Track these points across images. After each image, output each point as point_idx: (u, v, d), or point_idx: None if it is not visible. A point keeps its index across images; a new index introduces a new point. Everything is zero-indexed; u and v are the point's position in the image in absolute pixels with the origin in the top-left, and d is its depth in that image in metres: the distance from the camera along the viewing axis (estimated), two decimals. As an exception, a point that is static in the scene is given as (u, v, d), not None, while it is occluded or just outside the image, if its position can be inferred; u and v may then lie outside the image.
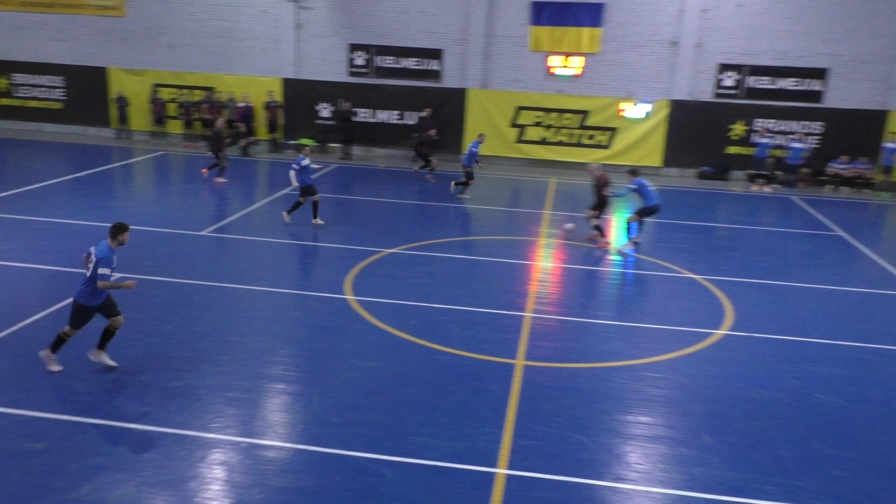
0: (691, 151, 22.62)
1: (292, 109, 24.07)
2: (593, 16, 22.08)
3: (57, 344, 8.32)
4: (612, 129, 22.84)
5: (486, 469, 6.84)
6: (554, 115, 22.97)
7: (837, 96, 21.70)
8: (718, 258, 14.16)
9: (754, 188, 21.38)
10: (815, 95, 21.80)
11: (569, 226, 15.39)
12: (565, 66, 22.67)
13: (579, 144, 23.07)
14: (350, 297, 11.12)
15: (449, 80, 23.39)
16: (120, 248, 8.25)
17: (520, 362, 9.11)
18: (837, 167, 21.69)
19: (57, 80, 25.04)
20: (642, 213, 14.40)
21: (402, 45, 23.30)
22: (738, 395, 8.52)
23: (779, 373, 9.16)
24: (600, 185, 14.78)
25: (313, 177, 15.56)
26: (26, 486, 6.32)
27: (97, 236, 13.71)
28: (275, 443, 7.19)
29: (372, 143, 24.10)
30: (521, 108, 23.06)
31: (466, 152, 18.37)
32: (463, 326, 10.19)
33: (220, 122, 19.58)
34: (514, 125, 23.18)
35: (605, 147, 22.98)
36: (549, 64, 22.68)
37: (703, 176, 22.65)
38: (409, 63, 23.44)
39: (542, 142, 23.24)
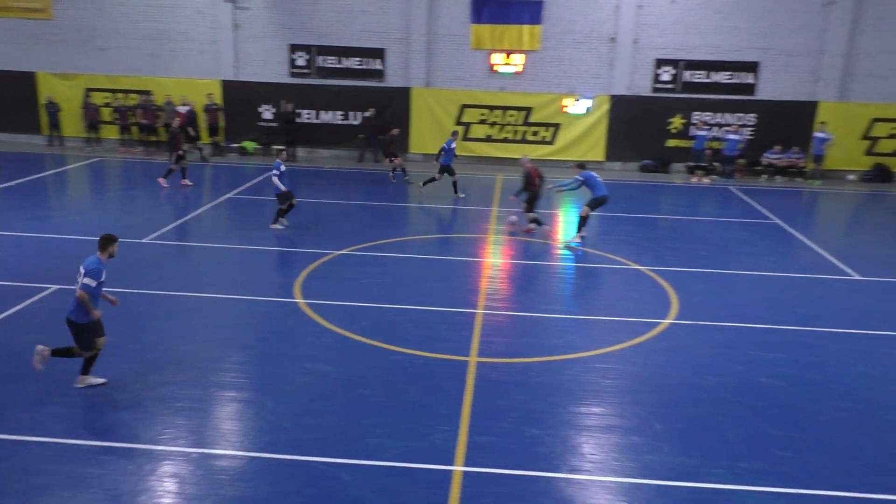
0: (633, 145, 23.08)
1: (233, 112, 23.65)
2: (533, 13, 22.32)
3: (87, 365, 8.10)
4: (556, 125, 23.13)
5: (443, 467, 6.86)
6: (498, 112, 23.14)
7: (769, 89, 22.44)
8: (663, 249, 14.49)
9: (694, 180, 21.94)
10: (748, 88, 22.49)
11: (512, 218, 15.58)
12: (507, 64, 22.87)
13: (524, 141, 23.28)
14: (300, 300, 10.99)
15: (392, 80, 23.32)
16: (100, 260, 7.96)
17: (473, 359, 9.15)
18: (771, 157, 22.43)
19: (-18, 87, 24.06)
20: (593, 204, 14.66)
21: (343, 44, 23.13)
22: (685, 383, 8.74)
23: (723, 359, 9.43)
24: (530, 178, 14.99)
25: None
26: (-34, 510, 6.08)
27: (31, 247, 13.32)
28: (227, 452, 7.06)
29: (316, 145, 23.87)
30: (466, 106, 23.15)
31: (444, 152, 18.28)
32: (415, 326, 10.19)
33: (177, 124, 19.16)
34: (459, 123, 23.25)
35: (549, 143, 23.27)
36: (493, 62, 22.84)
37: (644, 169, 23.14)
38: (352, 63, 23.28)
39: (488, 139, 23.39)
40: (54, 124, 23.74)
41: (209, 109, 23.06)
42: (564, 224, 16.71)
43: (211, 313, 10.48)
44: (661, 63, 22.53)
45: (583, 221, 14.71)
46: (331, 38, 23.10)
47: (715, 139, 22.49)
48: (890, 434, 7.70)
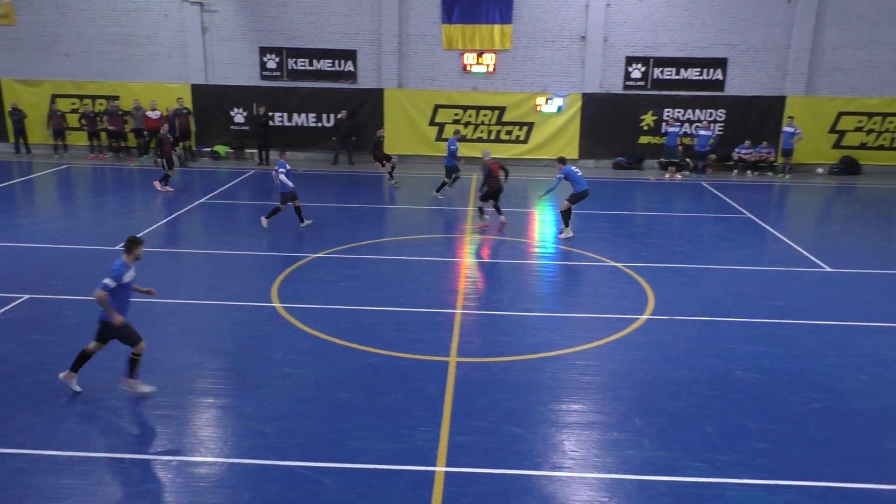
0: (606, 143, 23.26)
1: (205, 116, 23.41)
2: (503, 12, 22.39)
3: (132, 368, 8.00)
4: (529, 125, 23.23)
5: (424, 468, 6.84)
6: (471, 112, 23.18)
7: (737, 84, 22.74)
8: (638, 245, 14.61)
9: (667, 176, 22.15)
10: (718, 84, 22.77)
11: (485, 217, 15.65)
12: (479, 64, 22.91)
13: (498, 140, 23.34)
14: (277, 304, 10.91)
15: (365, 81, 23.25)
16: (125, 263, 7.86)
17: (453, 359, 9.15)
18: (741, 152, 22.74)
19: (-57, 94, 23.57)
20: (573, 199, 14.81)
21: (314, 46, 23.01)
22: (663, 377, 8.81)
23: (700, 353, 9.52)
24: (490, 172, 15.13)
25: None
26: (-62, 527, 5.94)
27: (1, 257, 13.04)
28: (207, 458, 6.98)
29: (290, 148, 23.54)
30: (439, 106, 23.15)
31: (447, 153, 18.36)
32: (394, 327, 10.16)
33: (165, 129, 18.95)
34: (433, 124, 23.25)
35: (523, 142, 23.35)
36: (465, 61, 22.86)
37: (617, 166, 23.32)
38: (324, 65, 23.16)
39: (462, 139, 23.35)
40: (20, 132, 23.29)
41: (179, 114, 22.77)
42: (541, 223, 16.79)
43: (186, 319, 10.35)
44: (631, 61, 22.72)
45: (565, 216, 14.84)
46: (301, 40, 22.96)
47: (686, 135, 22.77)
48: (863, 423, 7.84)
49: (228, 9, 22.82)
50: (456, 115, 23.19)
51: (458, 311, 10.80)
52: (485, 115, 23.19)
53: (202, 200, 17.74)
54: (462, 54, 22.85)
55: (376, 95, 23.06)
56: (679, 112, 22.94)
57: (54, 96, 23.26)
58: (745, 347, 9.70)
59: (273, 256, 13.39)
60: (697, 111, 22.95)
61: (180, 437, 7.36)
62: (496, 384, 8.54)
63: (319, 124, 23.54)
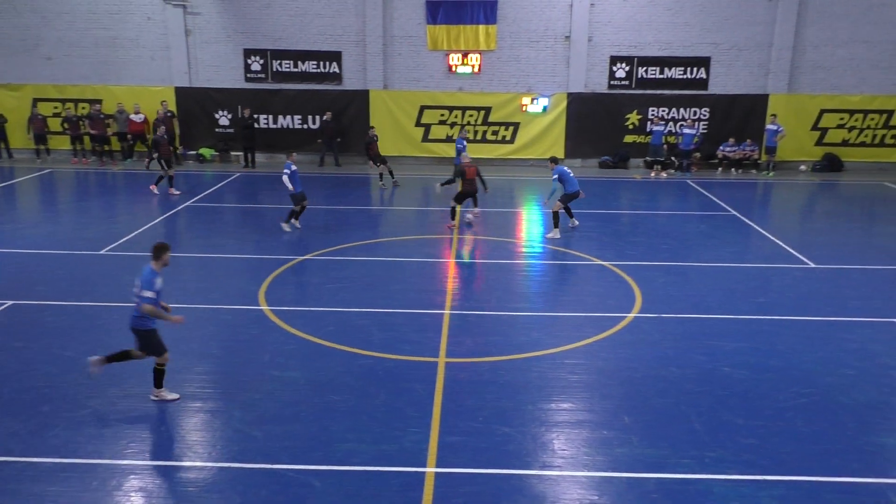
0: (591, 142, 23.34)
1: (189, 119, 23.27)
2: (488, 13, 22.41)
3: (158, 378, 8.01)
4: (515, 125, 23.26)
5: (415, 469, 6.84)
6: (457, 112, 23.18)
7: (721, 83, 22.89)
8: (624, 244, 14.67)
9: (652, 174, 22.26)
10: (701, 83, 22.90)
11: (468, 216, 15.70)
12: (465, 64, 22.93)
13: (484, 140, 23.36)
14: (264, 307, 10.86)
15: (350, 83, 23.20)
16: (153, 270, 7.90)
17: (442, 360, 9.15)
18: (726, 150, 22.88)
19: (-78, 99, 23.27)
20: (565, 199, 14.94)
21: (298, 48, 22.93)
22: (651, 375, 8.85)
23: (687, 350, 9.58)
24: (462, 174, 15.23)
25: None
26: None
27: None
28: (195, 463, 6.94)
29: (275, 150, 23.62)
30: (425, 107, 23.14)
31: (455, 152, 18.37)
32: (382, 329, 10.14)
33: (162, 130, 18.86)
34: (419, 124, 23.25)
35: (510, 142, 23.39)
36: (451, 62, 22.87)
37: (603, 165, 23.41)
38: (309, 66, 23.09)
39: (448, 139, 23.39)
40: (1, 136, 23.05)
41: (165, 117, 22.60)
42: (527, 223, 16.82)
43: (171, 325, 10.25)
44: (615, 60, 22.81)
45: (556, 217, 14.91)
46: (286, 41, 22.88)
47: (671, 134, 22.89)
48: (847, 417, 7.91)
49: (212, 11, 22.70)
50: (442, 115, 23.19)
51: (447, 312, 10.79)
52: (471, 116, 23.20)
53: (188, 203, 17.64)
54: (447, 55, 22.86)
55: (362, 97, 23.03)
56: (664, 111, 23.06)
57: (36, 100, 23.00)
58: (732, 344, 9.77)
59: (260, 259, 13.33)
60: (682, 110, 23.08)
61: (168, 442, 7.32)
62: (485, 384, 8.54)
63: (305, 126, 23.46)
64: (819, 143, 23.21)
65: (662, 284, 12.16)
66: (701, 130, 22.82)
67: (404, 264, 13.26)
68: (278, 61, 23.02)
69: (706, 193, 19.73)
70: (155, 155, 18.62)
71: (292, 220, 15.21)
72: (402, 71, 23.10)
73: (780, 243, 14.72)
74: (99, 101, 22.88)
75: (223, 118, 23.38)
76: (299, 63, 23.05)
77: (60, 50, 22.99)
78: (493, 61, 22.90)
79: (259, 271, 12.55)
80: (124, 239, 14.46)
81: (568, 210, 15.30)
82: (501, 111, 23.11)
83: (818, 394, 8.42)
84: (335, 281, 12.20)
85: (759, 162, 22.85)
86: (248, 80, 23.19)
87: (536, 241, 14.90)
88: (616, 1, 22.33)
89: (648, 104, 23.04)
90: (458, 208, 15.44)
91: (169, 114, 22.69)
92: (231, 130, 23.36)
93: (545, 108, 22.99)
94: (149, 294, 7.68)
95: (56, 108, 23.20)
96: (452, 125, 23.24)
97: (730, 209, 17.76)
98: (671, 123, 23.03)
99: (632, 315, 10.75)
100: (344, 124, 23.12)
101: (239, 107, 22.88)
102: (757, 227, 16.09)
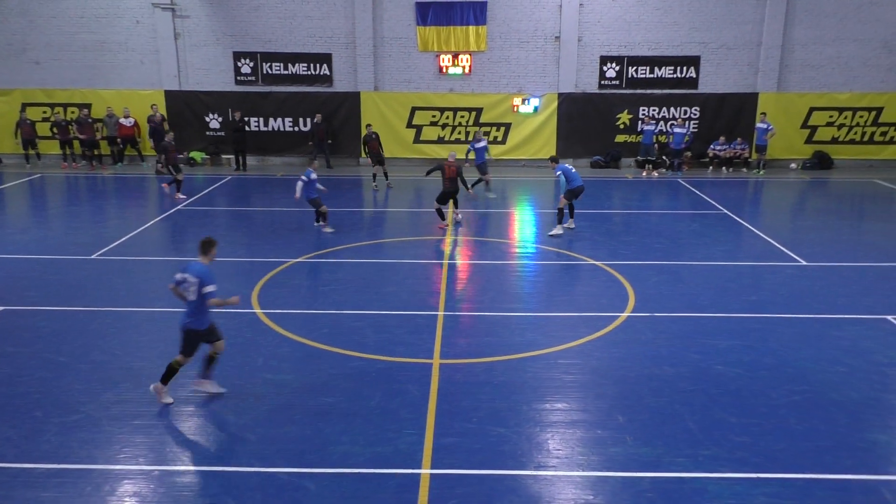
0: (583, 142, 23.39)
1: (179, 122, 23.18)
2: (477, 14, 22.44)
3: (168, 375, 7.97)
4: (507, 125, 23.29)
5: (410, 471, 6.83)
6: (448, 113, 23.19)
7: (710, 82, 22.99)
8: (617, 244, 14.70)
9: (644, 174, 22.32)
10: (691, 82, 22.98)
11: (458, 217, 15.69)
12: (455, 65, 22.94)
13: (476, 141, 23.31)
14: (257, 310, 10.83)
15: (341, 84, 23.18)
16: (205, 265, 7.96)
17: (436, 361, 9.14)
18: (716, 149, 22.98)
19: None
20: (569, 195, 15.01)
21: (288, 50, 22.89)
22: (645, 374, 8.87)
23: (680, 349, 9.60)
24: (442, 172, 15.30)
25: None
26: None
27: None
28: (189, 467, 6.92)
29: (266, 153, 23.60)
30: (416, 108, 23.14)
31: (476, 153, 18.65)
32: (376, 330, 10.13)
33: (170, 137, 18.82)
34: (411, 126, 23.24)
35: (501, 142, 23.40)
36: (441, 63, 22.87)
37: (595, 165, 23.46)
38: (299, 69, 23.05)
39: (440, 140, 23.40)
40: (-10, 141, 22.95)
41: (159, 121, 22.51)
42: (520, 223, 16.82)
43: (164, 328, 10.21)
44: (605, 60, 22.87)
45: (562, 213, 14.96)
46: (275, 44, 22.84)
47: (662, 133, 22.97)
48: (840, 414, 7.94)
49: (201, 14, 22.64)
50: (433, 116, 23.19)
51: (440, 313, 10.79)
52: (462, 117, 23.22)
53: (179, 207, 17.58)
54: (438, 56, 22.87)
55: (353, 98, 23.01)
56: (654, 110, 23.14)
57: (24, 105, 22.88)
58: (725, 342, 9.80)
59: (252, 262, 13.29)
60: (672, 109, 23.16)
61: (161, 447, 7.28)
62: (479, 385, 8.54)
63: (296, 128, 23.43)
64: (809, 140, 23.33)
65: (655, 283, 12.19)
66: (691, 129, 22.92)
67: (398, 266, 13.25)
68: (268, 64, 22.97)
69: (697, 192, 19.80)
70: (163, 159, 18.70)
71: (321, 222, 15.37)
72: (393, 72, 23.10)
73: (772, 241, 14.78)
74: (88, 106, 22.78)
75: (214, 121, 23.31)
76: (289, 65, 23.01)
77: (49, 54, 22.88)
78: (484, 62, 22.92)
79: (251, 274, 12.52)
80: (115, 243, 14.39)
81: (571, 208, 15.30)
82: (493, 112, 23.13)
83: (811, 391, 8.46)
84: (328, 283, 12.18)
85: (749, 160, 22.96)
86: (238, 82, 23.13)
87: (529, 242, 14.91)
88: (605, 1, 22.40)
89: (639, 104, 23.11)
90: (450, 209, 15.44)
91: (160, 117, 22.59)
92: (222, 133, 23.30)
93: (536, 109, 23.03)
94: (213, 288, 7.74)
95: (45, 112, 23.09)
96: (444, 126, 23.24)
97: (721, 208, 17.83)
98: (662, 123, 23.12)
99: (625, 314, 10.78)
100: (335, 126, 23.11)
101: (229, 110, 22.82)
102: (748, 226, 16.15)
